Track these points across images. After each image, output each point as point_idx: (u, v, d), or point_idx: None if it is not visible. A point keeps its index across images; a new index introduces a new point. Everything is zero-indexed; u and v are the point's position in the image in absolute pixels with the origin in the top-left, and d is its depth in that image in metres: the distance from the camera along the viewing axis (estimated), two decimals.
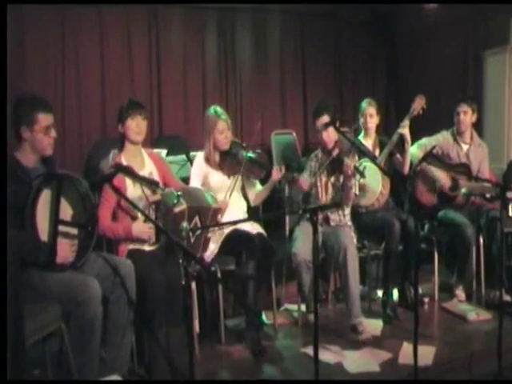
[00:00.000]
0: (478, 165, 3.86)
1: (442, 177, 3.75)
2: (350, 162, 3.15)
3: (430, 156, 3.63)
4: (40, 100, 2.45)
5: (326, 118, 3.29)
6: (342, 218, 3.41)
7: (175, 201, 2.61)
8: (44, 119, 2.38)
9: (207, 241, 2.87)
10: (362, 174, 3.19)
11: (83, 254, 2.41)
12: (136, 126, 2.86)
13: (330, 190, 3.39)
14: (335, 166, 3.30)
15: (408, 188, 3.56)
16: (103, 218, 2.75)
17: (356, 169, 3.18)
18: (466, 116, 3.79)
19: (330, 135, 3.33)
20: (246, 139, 3.24)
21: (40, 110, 2.38)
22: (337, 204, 3.30)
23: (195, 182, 3.18)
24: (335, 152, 3.27)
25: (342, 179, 3.38)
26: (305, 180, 3.35)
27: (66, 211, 2.37)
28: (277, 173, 3.16)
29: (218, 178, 3.20)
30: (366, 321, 3.21)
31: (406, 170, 3.68)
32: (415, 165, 3.62)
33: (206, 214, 2.74)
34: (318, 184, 3.37)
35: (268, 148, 5.19)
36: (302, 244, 3.17)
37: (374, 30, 6.24)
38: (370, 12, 6.00)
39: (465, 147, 3.87)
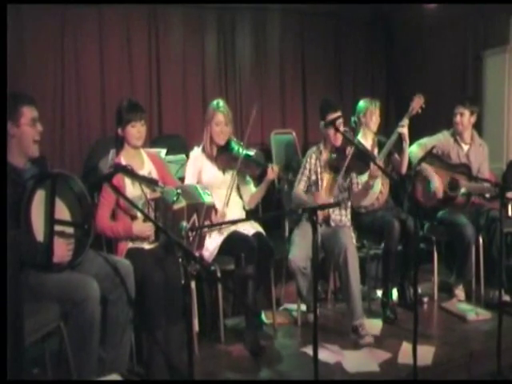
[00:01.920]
0: (479, 165, 3.85)
1: (438, 182, 3.72)
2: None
3: (431, 155, 3.63)
4: (22, 94, 2.47)
5: (337, 114, 3.22)
6: (344, 217, 3.39)
7: (175, 198, 2.62)
8: (29, 111, 2.39)
9: (203, 238, 2.87)
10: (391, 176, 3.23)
11: (80, 252, 2.42)
12: (137, 132, 2.88)
13: (335, 189, 3.37)
14: (352, 165, 3.27)
15: (407, 188, 3.56)
16: (102, 218, 2.76)
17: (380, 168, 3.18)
18: (463, 118, 3.77)
19: (339, 133, 3.29)
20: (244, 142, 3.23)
21: (24, 103, 2.38)
22: (337, 203, 3.29)
23: (190, 178, 3.18)
24: (348, 151, 3.25)
25: (347, 179, 3.36)
26: (319, 196, 3.28)
27: (62, 211, 2.37)
28: (272, 172, 3.12)
29: (211, 173, 3.20)
30: (366, 321, 3.20)
31: (404, 170, 3.68)
32: (415, 164, 3.62)
33: (201, 210, 2.74)
34: (320, 183, 3.36)
35: (267, 148, 5.19)
36: (298, 250, 3.16)
37: (374, 29, 6.24)
38: (370, 12, 6.00)
39: (465, 147, 3.86)
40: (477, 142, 3.90)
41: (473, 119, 3.82)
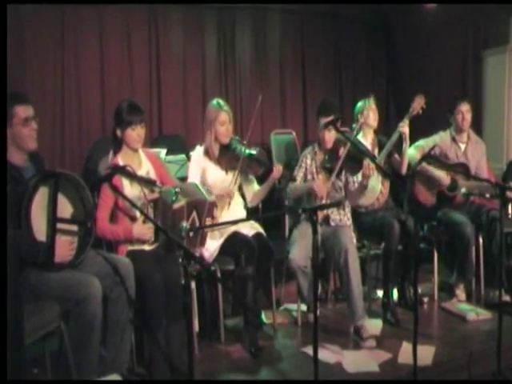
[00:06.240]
0: (477, 163, 3.85)
1: (443, 176, 3.73)
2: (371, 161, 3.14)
3: (429, 156, 3.63)
4: (16, 93, 2.45)
5: (329, 119, 3.25)
6: (343, 217, 3.40)
7: (174, 198, 2.61)
8: (22, 111, 2.37)
9: (204, 236, 2.86)
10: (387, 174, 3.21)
11: (82, 251, 2.42)
12: (137, 136, 2.85)
13: (331, 190, 3.37)
14: (345, 166, 3.27)
15: (407, 188, 3.55)
16: (102, 220, 2.73)
17: (379, 168, 3.16)
18: (469, 114, 3.78)
19: (332, 135, 3.31)
20: (246, 138, 3.22)
21: (16, 103, 2.36)
22: (337, 203, 3.29)
23: (193, 177, 3.17)
24: (341, 151, 3.24)
25: (343, 178, 3.37)
26: (319, 187, 3.26)
27: (66, 209, 2.37)
28: (277, 171, 3.13)
29: (216, 174, 3.20)
30: (367, 321, 3.20)
31: (404, 170, 3.68)
32: (414, 165, 3.61)
33: (203, 207, 2.74)
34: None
35: (268, 148, 5.19)
36: (298, 250, 3.16)
37: (374, 29, 6.24)
38: (370, 12, 6.00)
39: (463, 146, 3.86)
40: (473, 139, 3.91)
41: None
